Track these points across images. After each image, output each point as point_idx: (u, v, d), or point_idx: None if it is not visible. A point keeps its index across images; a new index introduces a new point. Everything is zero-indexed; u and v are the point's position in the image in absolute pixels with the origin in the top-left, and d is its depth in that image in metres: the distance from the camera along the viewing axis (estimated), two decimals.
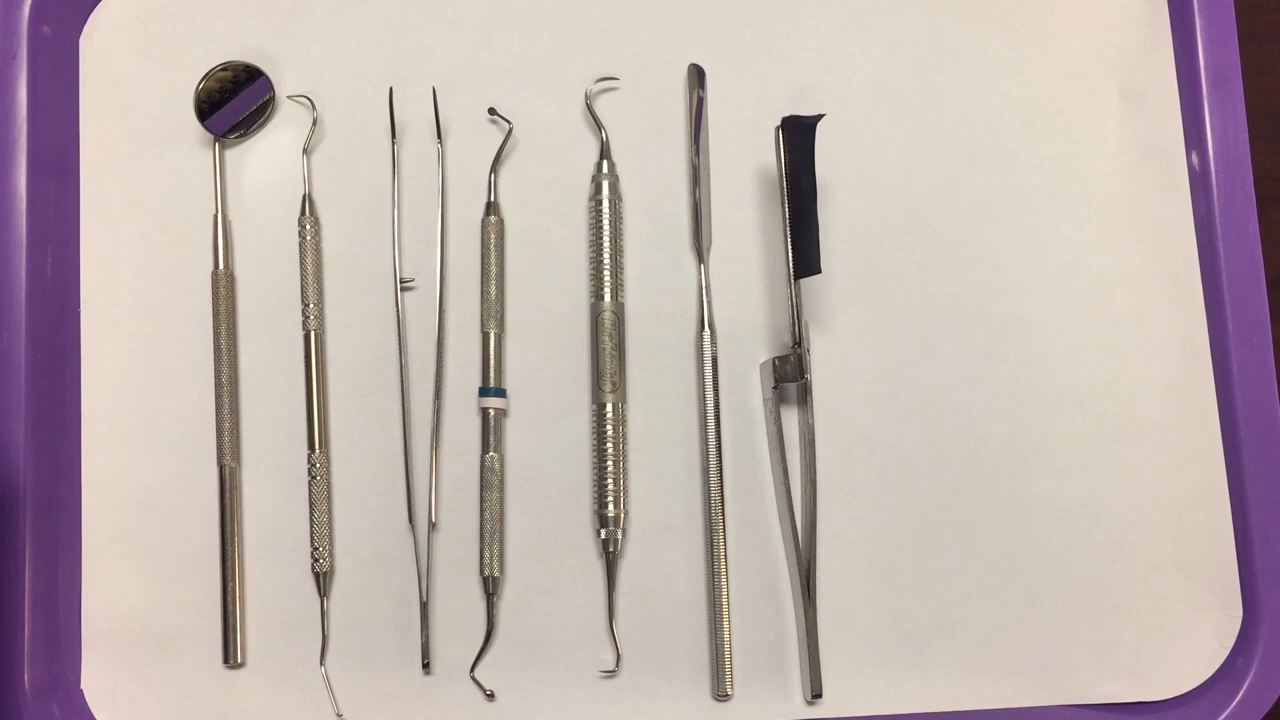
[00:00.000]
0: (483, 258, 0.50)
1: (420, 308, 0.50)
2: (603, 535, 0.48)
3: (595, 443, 0.48)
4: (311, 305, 0.49)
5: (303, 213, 0.50)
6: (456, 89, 0.51)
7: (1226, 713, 0.48)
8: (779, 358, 0.48)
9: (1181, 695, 0.48)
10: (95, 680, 0.48)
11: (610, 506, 0.48)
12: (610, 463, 0.48)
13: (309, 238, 0.50)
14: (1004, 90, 0.52)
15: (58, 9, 0.51)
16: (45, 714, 0.46)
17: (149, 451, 0.49)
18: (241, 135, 0.51)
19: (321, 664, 0.48)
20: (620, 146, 0.51)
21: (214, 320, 0.49)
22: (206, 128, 0.50)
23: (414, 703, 0.47)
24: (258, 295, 0.50)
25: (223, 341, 0.49)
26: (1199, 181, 0.51)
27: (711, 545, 0.48)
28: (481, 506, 0.48)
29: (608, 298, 0.49)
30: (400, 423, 0.49)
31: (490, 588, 0.48)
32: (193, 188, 0.50)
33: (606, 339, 0.49)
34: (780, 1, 0.52)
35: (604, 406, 0.48)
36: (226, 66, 0.51)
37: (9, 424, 0.47)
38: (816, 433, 0.49)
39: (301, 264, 0.49)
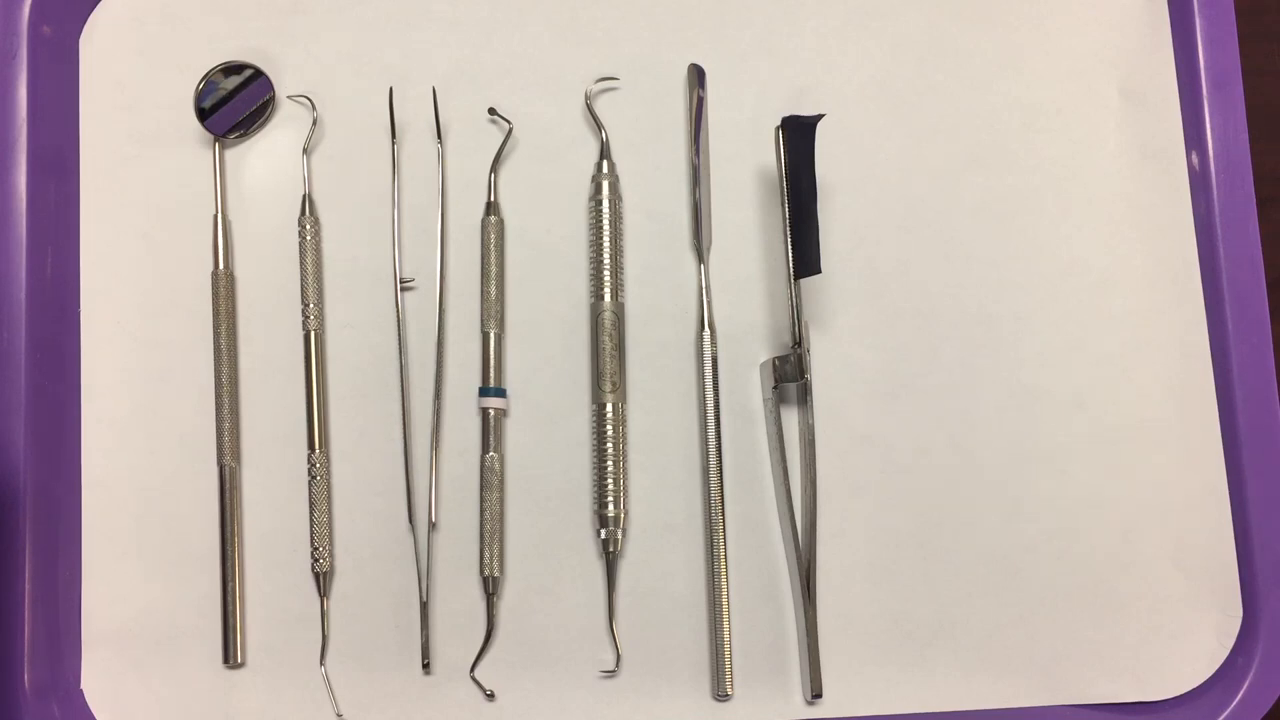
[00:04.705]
0: (483, 258, 0.50)
1: (420, 308, 0.50)
2: (603, 535, 0.48)
3: (595, 443, 0.48)
4: (311, 305, 0.49)
5: (303, 213, 0.50)
6: (456, 89, 0.51)
7: (1226, 713, 0.48)
8: (779, 358, 0.48)
9: (1181, 695, 0.48)
10: (95, 680, 0.48)
11: (610, 506, 0.48)
12: (610, 463, 0.48)
13: (309, 238, 0.50)
14: (1004, 90, 0.52)
15: (58, 9, 0.51)
16: (45, 714, 0.46)
17: (149, 451, 0.49)
18: (241, 135, 0.51)
19: (321, 664, 0.48)
20: (620, 146, 0.51)
21: (214, 320, 0.49)
22: (206, 128, 0.50)
23: (414, 703, 0.47)
24: (258, 295, 0.50)
25: (223, 341, 0.49)
26: (1199, 181, 0.51)
27: (711, 545, 0.48)
28: (481, 506, 0.48)
29: (608, 298, 0.49)
30: (400, 423, 0.49)
31: (490, 588, 0.48)
32: (193, 188, 0.50)
33: (606, 339, 0.49)
34: (780, 1, 0.52)
35: (604, 406, 0.48)
36: (226, 66, 0.51)
37: (9, 424, 0.47)
38: (816, 433, 0.49)
39: (301, 264, 0.49)
